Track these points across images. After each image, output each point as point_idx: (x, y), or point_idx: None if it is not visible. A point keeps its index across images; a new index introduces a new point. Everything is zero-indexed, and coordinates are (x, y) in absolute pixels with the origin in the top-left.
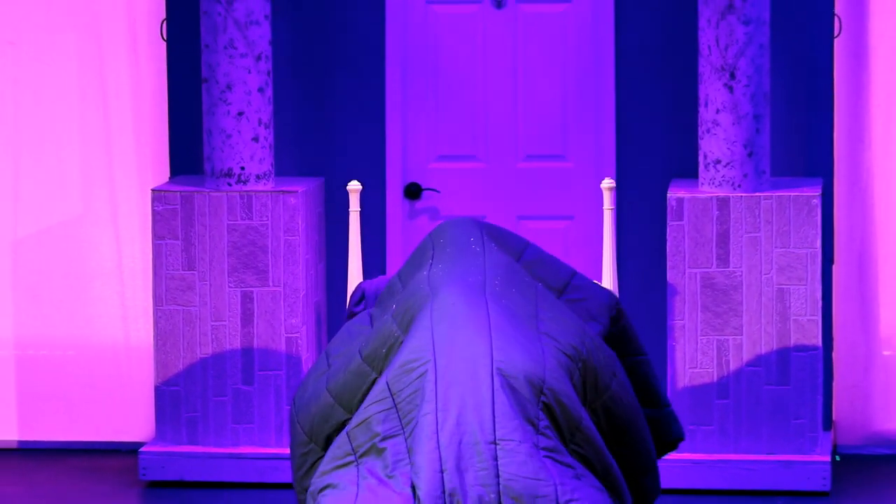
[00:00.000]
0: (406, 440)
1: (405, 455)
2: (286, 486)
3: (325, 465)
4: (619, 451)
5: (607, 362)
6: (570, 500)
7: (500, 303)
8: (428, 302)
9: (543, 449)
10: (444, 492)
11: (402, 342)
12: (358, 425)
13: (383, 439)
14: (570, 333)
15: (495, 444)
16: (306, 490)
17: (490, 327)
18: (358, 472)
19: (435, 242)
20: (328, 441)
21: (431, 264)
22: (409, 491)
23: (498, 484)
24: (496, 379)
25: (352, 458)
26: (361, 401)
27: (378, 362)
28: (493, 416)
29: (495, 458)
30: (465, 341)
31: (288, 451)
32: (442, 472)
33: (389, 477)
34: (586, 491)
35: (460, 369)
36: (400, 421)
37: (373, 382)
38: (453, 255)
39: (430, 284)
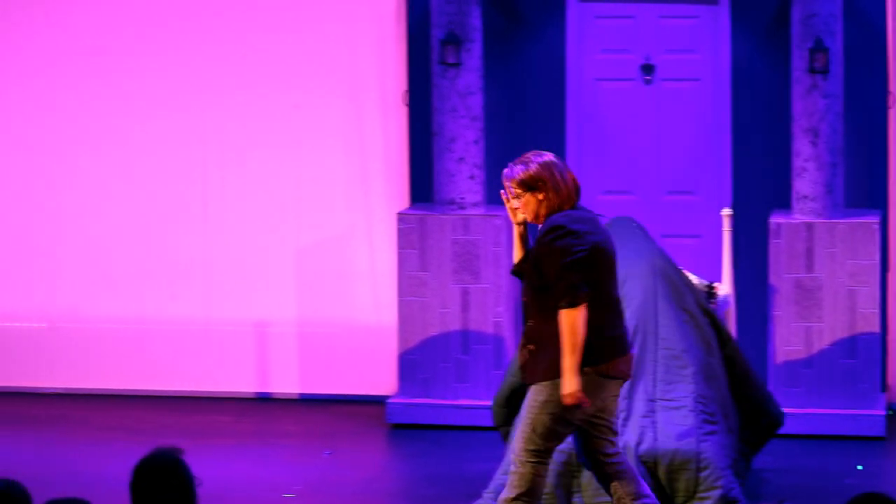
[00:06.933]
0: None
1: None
2: (493, 429)
3: None
4: (743, 395)
5: (726, 326)
6: (703, 441)
7: (665, 276)
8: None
9: (699, 395)
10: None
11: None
12: None
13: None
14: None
15: (654, 401)
16: (500, 405)
17: (657, 311)
18: None
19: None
20: None
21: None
22: None
23: (655, 427)
24: (660, 353)
25: None
26: None
27: None
28: (654, 382)
29: (653, 411)
30: (645, 318)
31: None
32: (629, 419)
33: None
34: (715, 436)
35: (644, 349)
36: None
37: None
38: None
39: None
